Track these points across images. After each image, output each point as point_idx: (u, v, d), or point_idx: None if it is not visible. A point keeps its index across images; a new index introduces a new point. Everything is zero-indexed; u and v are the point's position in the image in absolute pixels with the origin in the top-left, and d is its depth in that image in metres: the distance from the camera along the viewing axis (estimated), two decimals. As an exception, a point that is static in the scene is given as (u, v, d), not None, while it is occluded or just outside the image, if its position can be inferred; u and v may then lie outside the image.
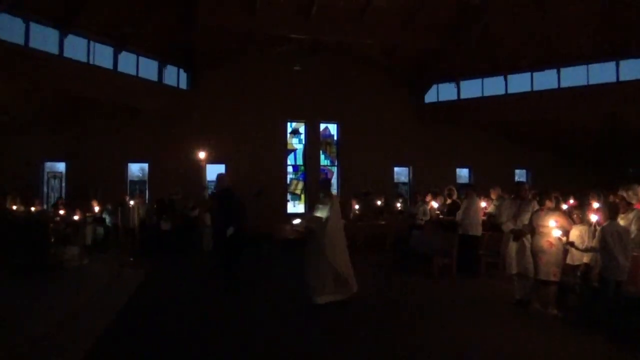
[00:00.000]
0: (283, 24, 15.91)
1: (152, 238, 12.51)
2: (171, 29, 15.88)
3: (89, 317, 5.95)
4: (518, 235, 6.70)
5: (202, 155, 12.91)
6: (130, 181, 17.13)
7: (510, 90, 17.50)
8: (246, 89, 17.34)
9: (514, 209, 7.07)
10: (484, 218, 10.13)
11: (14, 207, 10.68)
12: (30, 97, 14.29)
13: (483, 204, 10.66)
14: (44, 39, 14.08)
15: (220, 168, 17.39)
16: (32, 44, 13.61)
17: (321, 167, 18.60)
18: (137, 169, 17.43)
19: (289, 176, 18.43)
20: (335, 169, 18.84)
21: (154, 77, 16.85)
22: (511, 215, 7.04)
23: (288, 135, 18.50)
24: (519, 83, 17.38)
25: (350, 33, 16.34)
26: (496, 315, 6.34)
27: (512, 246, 6.82)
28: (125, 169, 16.92)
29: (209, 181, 17.50)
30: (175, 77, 17.46)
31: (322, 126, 18.78)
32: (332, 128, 18.97)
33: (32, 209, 11.19)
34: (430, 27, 16.50)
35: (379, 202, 15.07)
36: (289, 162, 18.45)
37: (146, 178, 17.15)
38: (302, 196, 18.50)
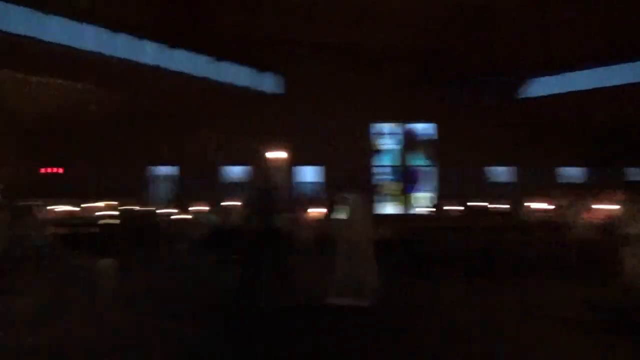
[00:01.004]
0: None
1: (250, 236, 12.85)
2: (258, 36, 16.29)
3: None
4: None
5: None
6: (231, 182, 17.86)
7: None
8: (334, 93, 17.28)
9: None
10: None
11: (131, 207, 11.59)
12: (141, 108, 15.52)
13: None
14: (149, 53, 15.15)
15: (311, 170, 17.61)
16: (141, 58, 14.78)
17: (413, 167, 18.19)
18: (238, 171, 18.09)
19: (382, 177, 18.20)
20: (431, 170, 18.31)
21: (244, 83, 17.36)
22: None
23: (380, 136, 18.31)
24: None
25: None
26: None
27: None
28: (225, 171, 17.70)
29: (299, 182, 17.85)
30: (268, 82, 17.99)
31: (418, 126, 18.36)
32: (427, 127, 18.47)
33: (146, 208, 12.04)
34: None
35: (480, 204, 14.37)
36: (381, 163, 18.24)
37: (247, 179, 17.73)
38: (397, 197, 18.17)
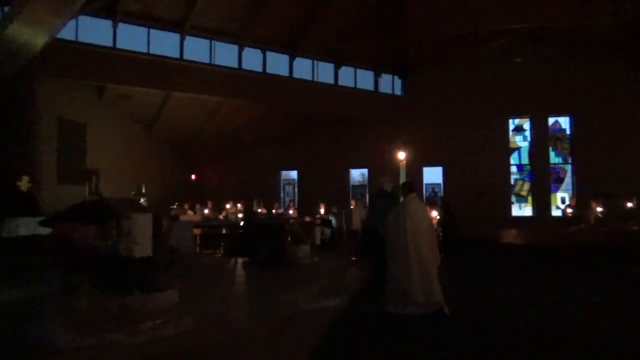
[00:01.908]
0: (498, 15, 14.83)
1: (372, 240, 12.89)
2: (384, 40, 16.40)
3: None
4: None
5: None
6: (352, 186, 18.24)
7: None
8: (462, 88, 16.70)
9: None
10: None
11: (259, 210, 12.40)
12: (269, 116, 16.64)
13: None
14: (278, 64, 16.20)
15: (437, 171, 17.17)
16: (268, 69, 15.90)
17: (551, 166, 16.64)
18: (357, 174, 18.40)
19: (513, 177, 16.98)
20: (569, 167, 16.62)
21: (370, 86, 17.67)
22: None
23: (510, 133, 17.11)
24: None
25: (579, 14, 14.24)
26: None
27: None
28: (347, 175, 18.11)
29: (426, 184, 17.51)
30: (390, 84, 18.01)
31: (551, 120, 16.80)
32: (564, 122, 16.80)
33: (273, 211, 12.83)
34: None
35: (629, 204, 12.65)
36: (512, 162, 17.02)
37: (366, 182, 17.98)
38: (529, 198, 16.81)
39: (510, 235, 13.79)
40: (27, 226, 7.44)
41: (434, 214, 13.23)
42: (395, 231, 6.06)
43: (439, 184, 17.42)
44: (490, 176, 16.20)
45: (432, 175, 17.46)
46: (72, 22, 12.14)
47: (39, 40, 9.78)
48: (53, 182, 12.47)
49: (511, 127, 17.16)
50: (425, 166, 17.18)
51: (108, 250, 4.52)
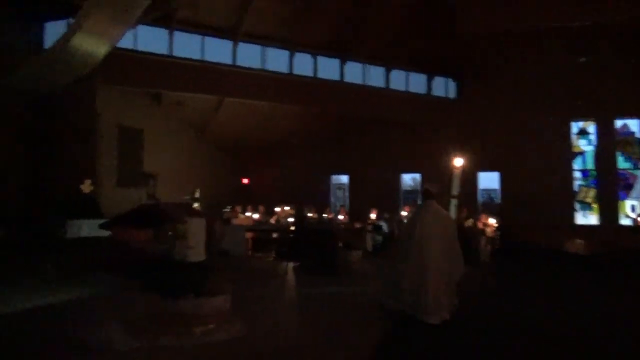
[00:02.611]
0: (560, 11, 14.09)
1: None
2: (437, 42, 15.98)
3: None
4: None
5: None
6: (404, 191, 17.87)
7: None
8: (521, 90, 15.97)
9: None
10: None
11: (310, 214, 12.34)
12: (320, 120, 16.63)
13: None
14: (329, 69, 16.15)
15: (494, 176, 16.54)
16: (319, 74, 15.89)
17: (619, 171, 15.59)
18: (409, 179, 17.99)
19: (577, 183, 16.04)
20: (639, 173, 15.52)
21: (422, 90, 17.28)
22: None
23: (574, 136, 16.19)
24: None
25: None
26: None
27: None
28: (398, 180, 17.75)
29: (482, 189, 16.88)
30: (443, 88, 17.56)
31: (619, 123, 15.77)
32: (633, 124, 15.73)
33: (324, 215, 12.74)
34: None
35: None
36: (575, 167, 16.08)
37: (418, 188, 17.55)
38: (594, 205, 15.81)
39: (574, 245, 13.01)
40: (89, 228, 7.70)
41: (492, 221, 12.71)
42: (405, 233, 6.23)
43: (496, 190, 16.73)
44: (552, 182, 15.38)
45: (489, 180, 16.79)
46: (131, 32, 12.58)
47: (100, 49, 10.17)
48: (113, 186, 12.95)
49: (574, 130, 16.23)
50: (481, 171, 16.56)
51: (163, 254, 4.54)
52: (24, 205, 11.32)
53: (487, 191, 16.89)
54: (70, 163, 11.87)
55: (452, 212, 7.02)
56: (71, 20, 10.21)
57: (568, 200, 15.84)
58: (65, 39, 9.49)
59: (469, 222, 13.11)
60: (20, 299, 6.11)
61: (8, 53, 11.31)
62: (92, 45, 9.80)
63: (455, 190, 7.14)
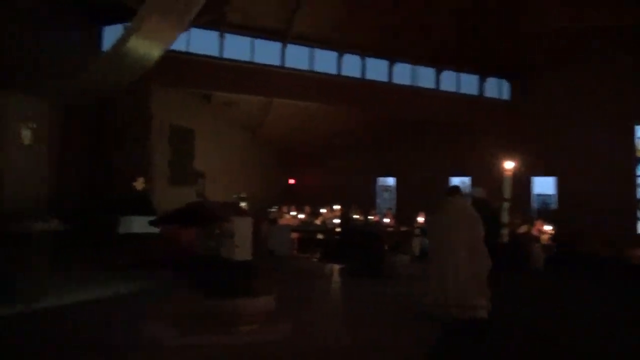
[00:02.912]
0: (624, 7, 13.31)
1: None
2: (491, 41, 15.49)
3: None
4: None
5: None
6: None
7: None
8: (580, 91, 15.21)
9: None
10: None
11: (356, 216, 12.24)
12: (367, 122, 16.51)
13: None
14: (376, 70, 15.99)
15: (549, 181, 15.85)
16: (367, 75, 15.75)
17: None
18: (457, 183, 17.50)
19: (640, 191, 15.10)
20: None
21: (474, 91, 16.81)
22: None
23: (637, 140, 15.25)
24: None
25: None
26: None
27: None
28: (446, 183, 17.30)
29: (536, 195, 16.19)
30: (496, 89, 17.01)
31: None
32: None
33: (369, 218, 12.60)
34: None
35: None
36: (639, 173, 15.14)
37: (467, 191, 17.08)
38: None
39: (636, 256, 12.21)
40: (140, 224, 7.93)
41: (547, 228, 12.16)
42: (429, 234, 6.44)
43: (551, 196, 16.00)
44: (612, 188, 14.52)
45: (544, 185, 16.09)
46: (183, 34, 12.92)
47: (155, 52, 10.47)
48: (165, 184, 13.34)
49: (638, 134, 15.29)
50: (536, 176, 15.88)
51: (210, 252, 4.58)
52: (82, 200, 11.87)
53: (542, 197, 16.18)
54: (125, 161, 12.34)
55: (505, 217, 6.74)
56: (128, 24, 10.58)
57: (630, 208, 14.92)
58: (122, 41, 9.84)
59: (524, 229, 12.60)
60: (74, 292, 6.36)
61: (72, 55, 11.89)
62: (147, 47, 10.11)
63: (507, 194, 6.83)
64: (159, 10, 9.32)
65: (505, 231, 6.67)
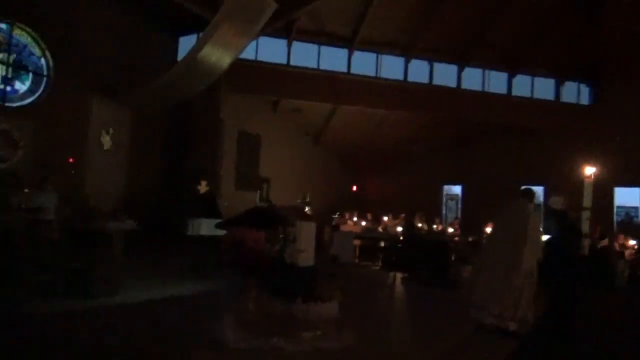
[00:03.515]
0: None
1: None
2: (570, 43, 14.63)
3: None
4: None
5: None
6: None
7: None
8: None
9: None
10: None
11: (420, 225, 11.92)
12: (433, 128, 16.09)
13: None
14: (445, 75, 15.58)
15: (635, 192, 14.65)
16: (435, 81, 15.38)
17: None
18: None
19: None
20: None
21: (550, 96, 15.94)
22: None
23: None
24: None
25: None
26: None
27: None
28: (517, 192, 16.50)
29: (618, 206, 14.99)
30: (574, 93, 16.02)
31: None
32: None
33: (434, 227, 12.24)
34: None
35: None
36: None
37: (540, 200, 16.15)
38: None
39: None
40: (207, 227, 8.17)
41: (631, 242, 11.23)
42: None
43: (637, 208, 14.76)
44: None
45: (628, 196, 14.86)
46: (253, 43, 13.27)
47: (226, 59, 10.83)
48: (231, 188, 13.73)
49: None
50: (618, 186, 14.73)
51: (274, 256, 4.60)
52: (156, 202, 12.48)
53: (625, 209, 14.96)
54: (194, 165, 12.84)
55: (585, 226, 6.25)
56: (201, 34, 11.01)
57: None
58: (196, 50, 10.26)
59: (604, 242, 11.73)
60: (145, 290, 6.63)
61: (150, 64, 12.59)
62: (219, 55, 10.48)
63: (587, 203, 6.33)
64: (231, 19, 9.64)
65: (586, 242, 6.16)
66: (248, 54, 13.42)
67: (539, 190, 16.18)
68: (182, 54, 13.44)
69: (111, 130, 12.02)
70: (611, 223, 14.46)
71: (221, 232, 6.32)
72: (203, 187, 9.82)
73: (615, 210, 15.01)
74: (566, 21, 14.09)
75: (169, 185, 12.97)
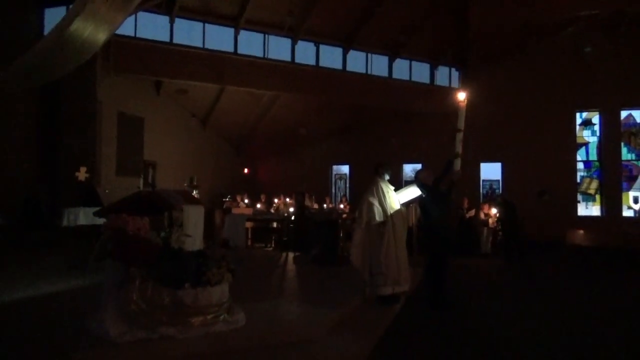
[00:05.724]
0: (570, 3, 13.95)
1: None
2: (443, 32, 15.83)
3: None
4: None
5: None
6: (405, 181, 17.71)
7: None
8: (525, 81, 15.82)
9: None
10: None
11: (311, 204, 12.26)
12: (321, 110, 16.47)
13: None
14: (331, 57, 15.94)
15: (496, 167, 16.43)
16: (321, 63, 15.69)
17: (623, 163, 15.47)
18: (410, 170, 17.80)
19: (580, 174, 15.94)
20: (640, 164, 15.41)
21: (425, 79, 17.11)
22: None
23: (577, 127, 16.05)
24: None
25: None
26: None
27: None
28: (400, 170, 17.65)
29: (484, 180, 16.76)
30: (446, 77, 17.38)
31: (624, 114, 15.62)
32: (638, 115, 15.58)
33: (324, 206, 12.66)
34: None
35: None
36: (579, 158, 15.97)
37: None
38: (597, 196, 15.72)
39: (577, 237, 12.94)
40: (86, 216, 7.64)
41: (494, 211, 12.65)
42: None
43: (498, 181, 16.62)
44: (554, 173, 15.28)
45: (491, 171, 16.68)
46: (131, 19, 12.42)
47: (100, 36, 9.98)
48: (112, 174, 12.88)
49: (578, 121, 16.10)
50: (483, 161, 16.45)
51: (160, 242, 4.46)
52: (27, 192, 11.28)
53: (490, 181, 16.77)
54: (70, 151, 11.79)
55: (458, 147, 6.68)
56: (71, 6, 10.03)
57: (571, 192, 15.73)
58: (65, 23, 9.33)
59: (472, 213, 13.04)
60: (21, 288, 6.07)
61: (11, 41, 11.20)
62: (92, 31, 9.62)
63: (461, 125, 6.83)
64: (103, -9, 8.89)
65: (458, 166, 6.65)
66: (126, 29, 12.56)
67: (418, 167, 17.46)
68: (48, 28, 12.14)
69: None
70: (478, 196, 16.12)
71: (101, 222, 5.94)
72: (82, 174, 9.13)
73: (481, 183, 16.74)
74: (439, 12, 15.19)
75: (45, 174, 11.79)
